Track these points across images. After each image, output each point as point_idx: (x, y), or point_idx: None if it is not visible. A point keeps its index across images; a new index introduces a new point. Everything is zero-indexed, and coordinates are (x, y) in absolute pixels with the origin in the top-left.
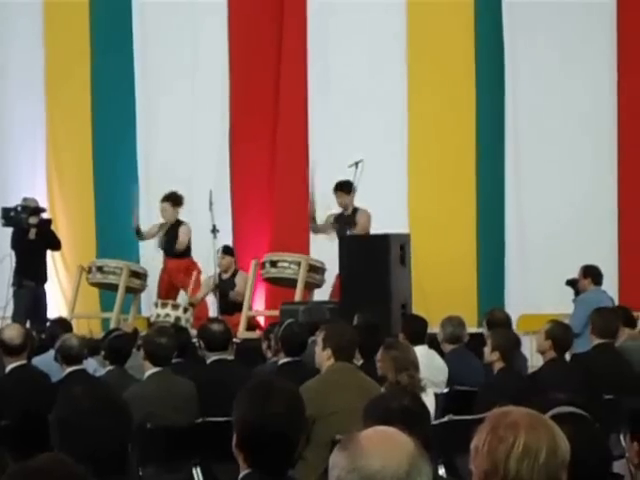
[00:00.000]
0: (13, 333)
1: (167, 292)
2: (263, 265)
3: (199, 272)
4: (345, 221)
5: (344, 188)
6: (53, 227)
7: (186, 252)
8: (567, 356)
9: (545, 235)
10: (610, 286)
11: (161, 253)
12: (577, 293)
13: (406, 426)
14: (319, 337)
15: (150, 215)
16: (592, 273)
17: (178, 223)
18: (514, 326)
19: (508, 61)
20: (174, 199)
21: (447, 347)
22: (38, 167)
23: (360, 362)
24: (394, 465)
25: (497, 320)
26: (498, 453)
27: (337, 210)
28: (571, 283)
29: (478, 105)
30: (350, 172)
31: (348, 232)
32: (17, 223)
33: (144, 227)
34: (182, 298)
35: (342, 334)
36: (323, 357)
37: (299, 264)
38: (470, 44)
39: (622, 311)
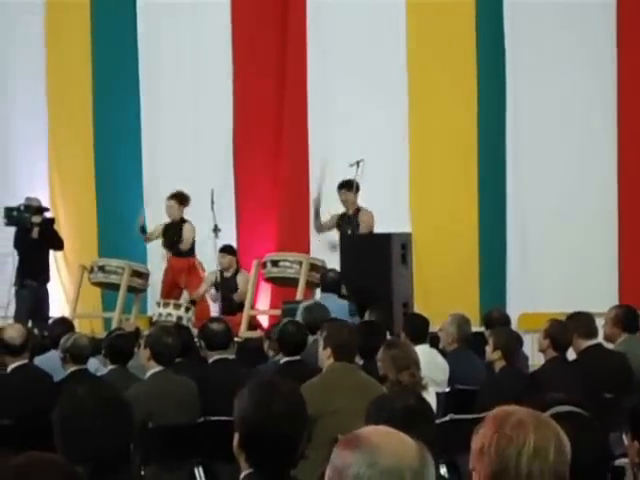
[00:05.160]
0: (14, 333)
1: (170, 291)
2: (265, 265)
3: (201, 270)
4: (348, 222)
5: (348, 185)
6: (55, 227)
7: (190, 251)
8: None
9: (546, 234)
10: (611, 285)
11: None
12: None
13: (411, 426)
14: (320, 336)
15: (155, 214)
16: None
17: (182, 221)
18: (515, 325)
19: (509, 59)
20: (181, 198)
21: (453, 346)
22: (40, 167)
23: (361, 362)
24: (409, 457)
25: (495, 320)
26: (508, 452)
27: (340, 210)
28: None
29: (479, 103)
30: (351, 171)
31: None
32: (20, 222)
33: (150, 228)
34: (185, 298)
35: (341, 333)
36: (323, 356)
37: (300, 263)
38: (471, 42)
39: (629, 312)
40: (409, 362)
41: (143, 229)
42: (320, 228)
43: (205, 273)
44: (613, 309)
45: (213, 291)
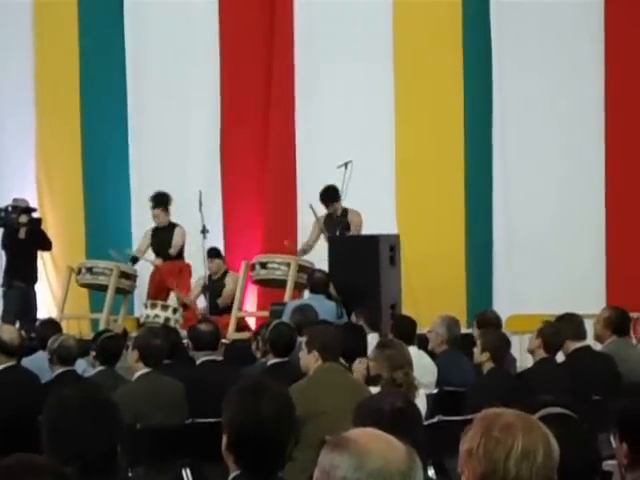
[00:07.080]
0: (13, 335)
1: (157, 293)
2: (253, 267)
3: (189, 274)
4: (335, 223)
5: (331, 196)
6: (43, 227)
7: (179, 255)
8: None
9: (533, 235)
10: (598, 286)
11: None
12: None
13: (398, 428)
14: (303, 341)
15: (142, 219)
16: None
17: (172, 226)
18: (503, 326)
19: (496, 60)
20: (163, 203)
21: (442, 347)
22: (28, 168)
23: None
24: (397, 460)
25: (488, 321)
26: (496, 455)
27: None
28: None
29: (466, 105)
30: (339, 172)
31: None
32: (7, 223)
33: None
34: (172, 299)
35: (326, 334)
36: (310, 360)
37: (289, 265)
38: (458, 44)
39: (621, 315)
40: (403, 361)
41: (134, 259)
42: (305, 252)
43: (192, 280)
44: (606, 310)
45: (203, 302)
